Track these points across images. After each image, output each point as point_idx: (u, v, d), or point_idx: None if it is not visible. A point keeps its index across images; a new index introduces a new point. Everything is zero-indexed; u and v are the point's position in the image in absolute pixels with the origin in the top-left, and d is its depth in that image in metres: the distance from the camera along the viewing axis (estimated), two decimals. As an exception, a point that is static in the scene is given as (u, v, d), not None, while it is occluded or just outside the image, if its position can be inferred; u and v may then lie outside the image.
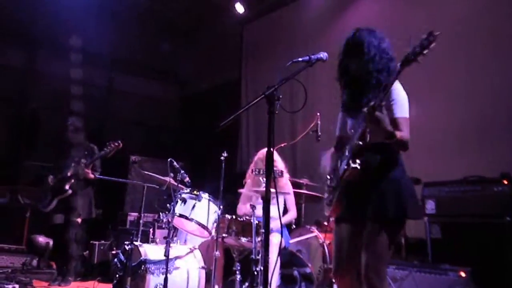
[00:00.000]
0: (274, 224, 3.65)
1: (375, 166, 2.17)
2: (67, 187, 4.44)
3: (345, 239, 2.27)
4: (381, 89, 2.03)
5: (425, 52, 1.87)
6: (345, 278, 2.26)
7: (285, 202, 4.00)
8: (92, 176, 4.54)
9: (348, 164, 2.13)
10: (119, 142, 4.45)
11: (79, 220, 4.51)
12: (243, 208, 4.04)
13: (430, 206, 3.78)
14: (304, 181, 4.54)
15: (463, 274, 3.14)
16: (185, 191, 3.76)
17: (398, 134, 2.09)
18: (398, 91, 2.21)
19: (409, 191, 2.19)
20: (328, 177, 2.35)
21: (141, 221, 4.02)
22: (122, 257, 3.59)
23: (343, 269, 2.26)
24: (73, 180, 4.47)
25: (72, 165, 4.47)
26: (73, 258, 4.52)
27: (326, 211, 2.34)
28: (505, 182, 3.44)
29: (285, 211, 4.00)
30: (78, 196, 4.53)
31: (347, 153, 2.20)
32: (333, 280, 3.59)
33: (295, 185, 4.28)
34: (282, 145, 4.33)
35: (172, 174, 3.74)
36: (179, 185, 3.82)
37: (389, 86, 2.03)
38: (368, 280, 2.09)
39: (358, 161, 2.09)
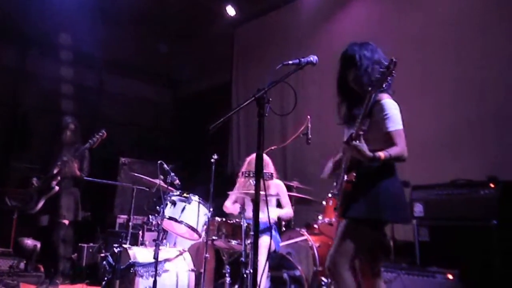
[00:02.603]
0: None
1: (366, 176, 2.27)
2: (53, 184, 4.38)
3: None
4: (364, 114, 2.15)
5: (389, 79, 2.08)
6: (365, 277, 2.38)
7: (279, 202, 4.01)
8: (78, 173, 4.46)
9: (344, 178, 2.31)
10: (103, 132, 4.38)
11: (66, 222, 4.45)
12: (230, 207, 4.04)
13: (418, 209, 3.81)
14: (294, 183, 4.55)
15: (450, 277, 3.18)
16: (175, 193, 3.75)
17: (383, 154, 2.17)
18: (390, 105, 2.29)
19: (391, 195, 2.26)
20: (335, 184, 2.50)
21: (130, 224, 3.97)
22: (111, 259, 3.56)
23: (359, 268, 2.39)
24: (59, 178, 4.40)
25: (59, 163, 4.41)
26: (60, 260, 4.46)
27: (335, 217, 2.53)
28: (492, 185, 3.47)
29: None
30: (63, 196, 4.45)
31: (343, 165, 2.36)
32: (322, 283, 3.63)
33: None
34: (273, 147, 4.34)
35: (162, 177, 3.72)
36: (169, 188, 3.81)
37: (367, 110, 2.14)
38: (327, 269, 2.27)
39: (354, 174, 2.25)
